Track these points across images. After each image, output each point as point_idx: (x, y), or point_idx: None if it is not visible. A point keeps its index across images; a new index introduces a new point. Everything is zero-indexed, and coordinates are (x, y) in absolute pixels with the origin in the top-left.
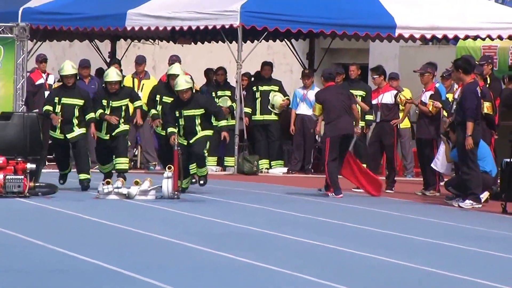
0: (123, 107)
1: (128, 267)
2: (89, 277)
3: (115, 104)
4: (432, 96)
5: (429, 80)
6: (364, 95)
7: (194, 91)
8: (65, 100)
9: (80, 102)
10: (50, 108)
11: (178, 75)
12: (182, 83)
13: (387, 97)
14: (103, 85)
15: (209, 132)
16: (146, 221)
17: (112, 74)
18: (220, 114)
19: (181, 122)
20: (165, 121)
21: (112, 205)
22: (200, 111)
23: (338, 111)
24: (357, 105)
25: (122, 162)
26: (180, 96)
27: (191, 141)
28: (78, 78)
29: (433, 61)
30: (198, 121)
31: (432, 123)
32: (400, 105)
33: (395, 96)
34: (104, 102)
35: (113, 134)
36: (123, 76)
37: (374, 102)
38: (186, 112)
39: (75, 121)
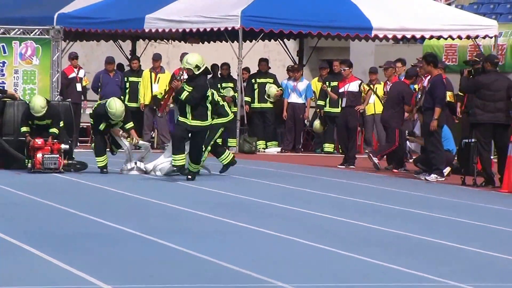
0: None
1: (146, 231)
2: (113, 239)
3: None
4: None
5: (392, 74)
6: None
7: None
8: None
9: None
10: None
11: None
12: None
13: (353, 86)
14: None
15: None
16: (161, 192)
17: None
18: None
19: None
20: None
21: (133, 179)
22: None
23: None
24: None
25: None
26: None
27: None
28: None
29: (403, 58)
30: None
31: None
32: (363, 93)
33: (359, 86)
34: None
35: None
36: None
37: (341, 90)
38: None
39: None
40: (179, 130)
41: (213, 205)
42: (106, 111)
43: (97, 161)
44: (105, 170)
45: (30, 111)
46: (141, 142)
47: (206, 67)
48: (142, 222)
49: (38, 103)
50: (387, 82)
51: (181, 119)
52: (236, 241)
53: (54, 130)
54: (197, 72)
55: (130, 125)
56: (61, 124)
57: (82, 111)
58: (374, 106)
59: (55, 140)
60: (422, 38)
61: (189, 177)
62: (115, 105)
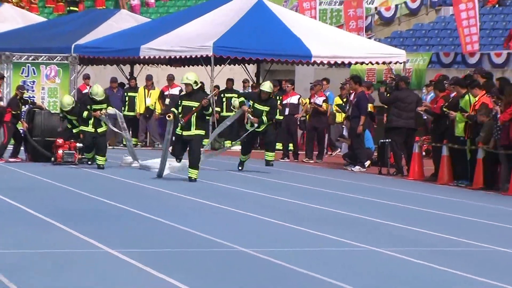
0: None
1: (142, 209)
2: (117, 215)
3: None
4: (324, 100)
5: (319, 89)
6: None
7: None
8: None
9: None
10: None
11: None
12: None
13: (294, 99)
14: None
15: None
16: (156, 180)
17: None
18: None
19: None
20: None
21: (131, 171)
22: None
23: None
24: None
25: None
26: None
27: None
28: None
29: (330, 78)
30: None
31: (323, 116)
32: (301, 105)
33: (298, 99)
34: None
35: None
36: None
37: (284, 102)
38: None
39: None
40: (180, 143)
41: (197, 190)
42: (90, 96)
43: (86, 155)
44: (90, 163)
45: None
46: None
47: (202, 83)
48: (139, 202)
49: (66, 100)
50: (315, 95)
51: (181, 131)
52: (213, 218)
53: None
54: (195, 87)
55: (110, 109)
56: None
57: None
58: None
59: (72, 140)
60: (349, 64)
61: (194, 180)
62: (97, 88)
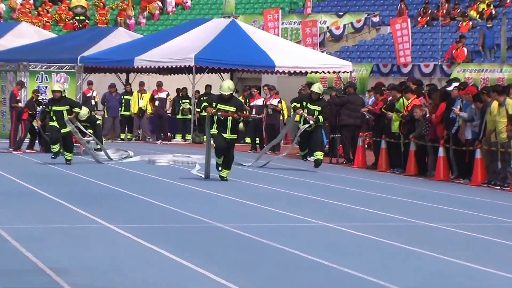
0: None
1: (137, 192)
2: (117, 197)
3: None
4: (279, 101)
5: (274, 93)
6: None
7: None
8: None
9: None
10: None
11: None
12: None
13: (259, 102)
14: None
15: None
16: (150, 169)
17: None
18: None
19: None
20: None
21: (134, 163)
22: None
23: None
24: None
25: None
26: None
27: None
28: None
29: (290, 84)
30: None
31: (278, 114)
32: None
33: (263, 101)
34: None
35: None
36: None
37: (252, 104)
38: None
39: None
40: (222, 142)
41: (182, 177)
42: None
43: (53, 148)
44: (54, 157)
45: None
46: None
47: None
48: (135, 186)
49: (82, 112)
50: (271, 98)
51: (216, 131)
52: (196, 199)
53: (90, 130)
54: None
55: (77, 109)
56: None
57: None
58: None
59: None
60: (306, 72)
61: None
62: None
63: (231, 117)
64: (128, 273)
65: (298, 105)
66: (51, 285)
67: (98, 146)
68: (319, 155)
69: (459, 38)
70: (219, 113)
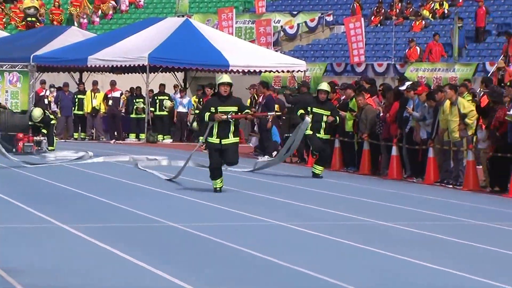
0: None
1: (94, 192)
2: (72, 197)
3: None
4: None
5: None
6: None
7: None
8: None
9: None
10: None
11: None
12: (226, 78)
13: None
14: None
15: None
16: (110, 169)
17: None
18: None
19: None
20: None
21: (94, 165)
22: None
23: None
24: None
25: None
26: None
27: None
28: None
29: (244, 83)
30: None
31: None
32: None
33: None
34: None
35: None
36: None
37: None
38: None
39: None
40: (216, 160)
41: (137, 176)
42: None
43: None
44: None
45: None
46: None
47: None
48: (90, 186)
49: (36, 113)
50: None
51: (218, 140)
52: (151, 198)
53: (44, 130)
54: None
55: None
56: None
57: None
58: None
59: (30, 135)
60: (260, 72)
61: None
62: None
63: (233, 120)
64: (81, 273)
65: (303, 111)
66: (3, 286)
67: (51, 148)
68: (319, 170)
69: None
70: (229, 116)
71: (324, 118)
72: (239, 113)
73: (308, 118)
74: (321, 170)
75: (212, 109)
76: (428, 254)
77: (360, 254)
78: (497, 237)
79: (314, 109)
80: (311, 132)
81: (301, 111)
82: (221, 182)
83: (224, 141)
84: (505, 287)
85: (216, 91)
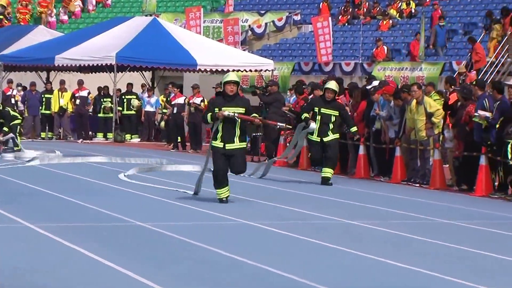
0: None
1: (59, 192)
2: (33, 194)
3: None
4: (201, 100)
5: (197, 92)
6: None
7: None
8: None
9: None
10: None
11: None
12: (233, 75)
13: (180, 100)
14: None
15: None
16: (80, 170)
17: None
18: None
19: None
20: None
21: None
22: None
23: None
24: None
25: None
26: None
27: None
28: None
29: (212, 83)
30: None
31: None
32: (187, 104)
33: (184, 100)
34: None
35: None
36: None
37: (173, 102)
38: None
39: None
40: (221, 163)
41: (102, 175)
42: None
43: None
44: None
45: None
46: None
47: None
48: (56, 185)
49: None
50: (193, 96)
51: (222, 144)
52: (117, 197)
53: (5, 128)
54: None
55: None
56: (12, 123)
57: None
58: None
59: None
60: (228, 71)
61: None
62: None
63: (239, 122)
64: (48, 272)
65: (307, 114)
66: None
67: (16, 148)
68: (328, 172)
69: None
70: (236, 114)
71: (333, 119)
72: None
73: (314, 124)
74: (331, 173)
75: (216, 110)
76: (395, 252)
77: (327, 252)
78: (464, 235)
79: (322, 110)
80: (318, 139)
81: (306, 114)
82: (227, 191)
83: (228, 146)
84: (475, 286)
85: (221, 90)
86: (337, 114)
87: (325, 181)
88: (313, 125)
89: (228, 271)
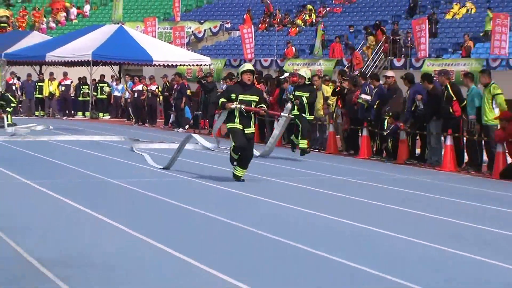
0: None
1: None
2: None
3: None
4: (156, 88)
5: (153, 81)
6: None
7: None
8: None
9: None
10: None
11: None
12: (248, 66)
13: (139, 87)
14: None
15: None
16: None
17: None
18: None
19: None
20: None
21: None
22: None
23: None
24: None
25: None
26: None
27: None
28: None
29: (164, 74)
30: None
31: (155, 97)
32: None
33: (142, 87)
34: None
35: None
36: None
37: (134, 89)
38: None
39: None
40: (242, 139)
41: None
42: None
43: None
44: None
45: None
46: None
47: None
48: (51, 153)
49: None
50: (150, 85)
51: (241, 126)
52: (90, 162)
53: (8, 109)
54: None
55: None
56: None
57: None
58: None
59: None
60: (176, 65)
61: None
62: None
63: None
64: (34, 217)
65: (291, 96)
66: None
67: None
68: (303, 143)
69: (336, 38)
70: (242, 107)
71: (305, 100)
72: (260, 104)
73: (289, 105)
74: (306, 143)
75: (233, 96)
76: (298, 201)
77: (247, 201)
78: (349, 187)
79: (296, 92)
80: (298, 113)
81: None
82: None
83: (247, 130)
84: (366, 227)
85: (239, 79)
86: (308, 96)
87: (304, 151)
88: (288, 105)
89: (185, 219)
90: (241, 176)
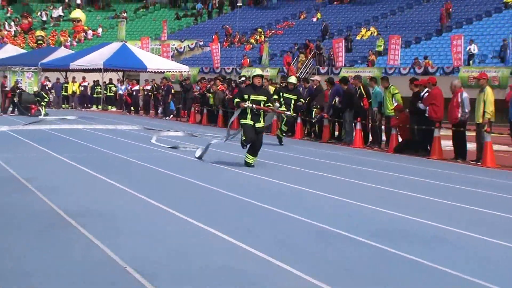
0: None
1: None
2: (65, 141)
3: None
4: (151, 87)
5: (147, 83)
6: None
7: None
8: None
9: None
10: None
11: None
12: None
13: (136, 88)
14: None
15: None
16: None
17: None
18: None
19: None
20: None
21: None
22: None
23: None
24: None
25: None
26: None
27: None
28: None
29: (154, 78)
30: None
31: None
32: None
33: (138, 87)
34: None
35: None
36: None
37: (133, 89)
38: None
39: None
40: (252, 134)
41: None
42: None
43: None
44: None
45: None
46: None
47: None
48: (78, 136)
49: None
50: (145, 85)
51: (252, 122)
52: (88, 138)
53: (43, 103)
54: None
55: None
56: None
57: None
58: None
59: (37, 105)
60: (164, 72)
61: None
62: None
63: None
64: (61, 181)
65: (276, 96)
66: (23, 189)
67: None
68: (285, 128)
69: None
70: (253, 106)
71: (292, 102)
72: (267, 103)
73: (277, 104)
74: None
75: (245, 96)
76: (268, 171)
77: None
78: (290, 160)
79: (285, 95)
80: (285, 109)
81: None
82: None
83: (257, 125)
84: (305, 190)
85: (250, 82)
86: (296, 98)
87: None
88: (277, 104)
89: (178, 186)
90: (252, 163)
